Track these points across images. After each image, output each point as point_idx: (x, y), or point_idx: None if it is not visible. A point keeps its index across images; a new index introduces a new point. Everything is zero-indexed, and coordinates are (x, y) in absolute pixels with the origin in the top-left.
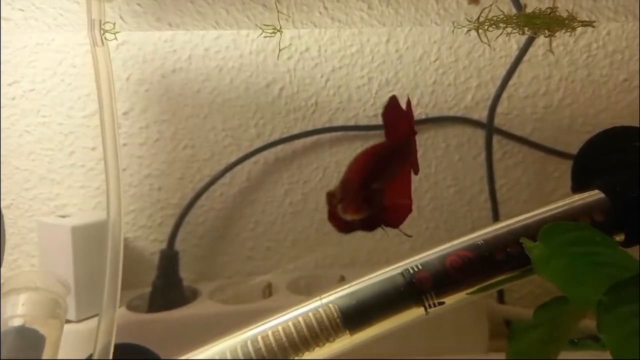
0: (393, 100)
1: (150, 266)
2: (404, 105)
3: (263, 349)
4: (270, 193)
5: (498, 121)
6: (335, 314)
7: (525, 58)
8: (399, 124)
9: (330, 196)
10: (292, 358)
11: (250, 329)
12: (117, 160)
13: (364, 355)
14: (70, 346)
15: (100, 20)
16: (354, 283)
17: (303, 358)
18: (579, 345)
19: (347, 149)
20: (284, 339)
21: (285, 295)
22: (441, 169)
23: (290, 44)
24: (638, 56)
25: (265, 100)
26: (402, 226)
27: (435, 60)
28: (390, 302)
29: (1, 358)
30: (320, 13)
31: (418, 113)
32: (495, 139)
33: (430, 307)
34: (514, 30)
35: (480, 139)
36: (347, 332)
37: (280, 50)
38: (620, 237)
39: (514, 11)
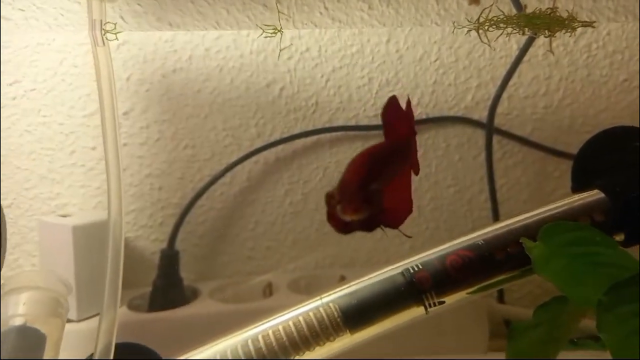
0: (392, 101)
1: (150, 266)
2: (404, 106)
3: (264, 348)
4: (271, 193)
5: (498, 121)
6: (335, 313)
7: (526, 58)
8: (398, 124)
9: (329, 197)
10: (292, 357)
11: (251, 328)
12: (118, 159)
13: (364, 355)
14: (71, 345)
15: (101, 21)
16: (354, 283)
17: (304, 357)
18: (579, 345)
19: (347, 149)
20: (285, 338)
21: (286, 295)
22: (441, 168)
23: (291, 44)
24: (638, 56)
25: (266, 100)
26: (402, 226)
27: (435, 61)
28: (390, 302)
29: (2, 357)
30: (321, 13)
31: (418, 113)
32: (496, 139)
33: (430, 306)
34: (514, 31)
35: (481, 138)
36: (348, 331)
37: (280, 51)
38: (620, 237)
39: (514, 11)
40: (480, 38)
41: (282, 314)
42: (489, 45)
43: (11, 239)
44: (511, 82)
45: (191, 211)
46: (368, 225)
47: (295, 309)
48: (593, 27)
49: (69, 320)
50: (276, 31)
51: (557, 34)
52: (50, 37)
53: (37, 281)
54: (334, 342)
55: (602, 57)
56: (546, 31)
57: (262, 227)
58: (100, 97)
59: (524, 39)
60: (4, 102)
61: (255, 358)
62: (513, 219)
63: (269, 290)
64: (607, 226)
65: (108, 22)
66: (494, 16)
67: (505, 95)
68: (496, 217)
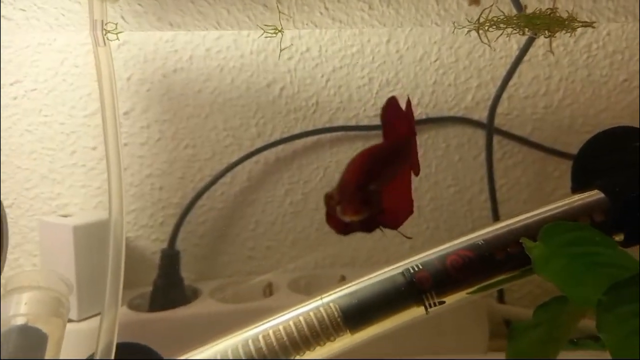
0: (392, 101)
1: (151, 265)
2: (404, 106)
3: (264, 348)
4: (271, 193)
5: (498, 121)
6: (336, 313)
7: (526, 58)
8: (397, 124)
9: (328, 198)
10: (293, 357)
11: (252, 328)
12: (119, 159)
13: (365, 355)
14: (72, 345)
15: (102, 21)
16: (354, 282)
17: (304, 357)
18: (579, 345)
19: (347, 149)
20: (285, 338)
21: (286, 295)
22: (441, 169)
23: (291, 44)
24: (638, 57)
25: (266, 100)
26: (402, 227)
27: (435, 61)
28: (390, 302)
29: (4, 357)
30: (321, 13)
31: (418, 113)
32: (496, 139)
33: (430, 306)
34: (514, 31)
35: (481, 139)
36: (348, 331)
37: (281, 51)
38: (619, 237)
39: (514, 12)
40: (480, 38)
41: (282, 313)
42: (489, 46)
43: (12, 239)
44: (511, 82)
45: (192, 211)
46: (367, 226)
47: (296, 309)
48: (593, 27)
49: (69, 320)
50: (277, 31)
51: (557, 34)
52: (51, 37)
53: (39, 281)
54: (335, 342)
55: (602, 57)
56: (546, 31)
57: (262, 227)
58: (101, 97)
59: (524, 39)
60: (5, 102)
61: (256, 358)
62: (513, 219)
63: (269, 290)
64: (607, 226)
65: (109, 22)
66: (494, 16)
67: (505, 95)
68: (496, 217)
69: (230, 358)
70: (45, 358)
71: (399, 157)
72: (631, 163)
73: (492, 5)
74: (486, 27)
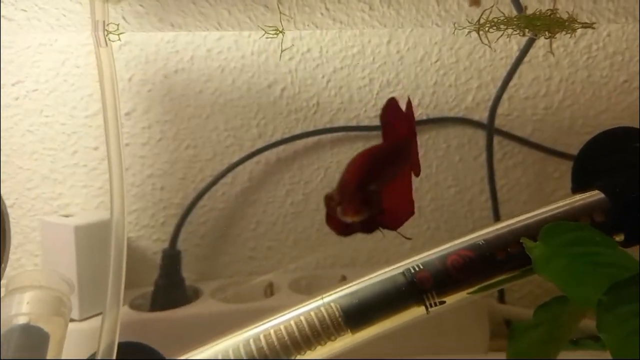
0: (392, 102)
1: (152, 265)
2: (404, 107)
3: (265, 348)
4: (272, 193)
5: (499, 122)
6: (337, 312)
7: (526, 59)
8: (397, 125)
9: (328, 199)
10: (294, 356)
11: (253, 328)
12: (120, 159)
13: (365, 355)
14: (74, 344)
15: (104, 21)
16: (355, 282)
17: (305, 356)
18: (579, 345)
19: (348, 150)
20: (286, 338)
21: (287, 295)
22: (442, 169)
23: (292, 45)
24: (638, 57)
25: (267, 100)
26: (402, 227)
27: (436, 62)
28: (391, 302)
29: (6, 356)
30: (322, 14)
31: (419, 114)
32: (496, 139)
33: (431, 306)
34: (515, 32)
35: (481, 139)
36: (349, 331)
37: (282, 51)
38: (620, 238)
39: (514, 13)
40: (480, 39)
41: (283, 313)
42: (490, 47)
43: (13, 239)
44: (512, 83)
45: (193, 211)
46: (368, 227)
47: (297, 309)
48: (593, 28)
49: (71, 320)
50: (278, 32)
51: (558, 35)
52: (52, 38)
53: (40, 280)
54: (335, 342)
55: (602, 58)
56: (546, 32)
57: (263, 227)
58: (102, 98)
59: (524, 40)
60: (7, 102)
61: (257, 357)
62: (514, 219)
63: (270, 290)
64: (607, 226)
65: (111, 23)
66: (495, 17)
67: (505, 96)
68: (497, 218)
69: (232, 357)
70: (47, 357)
71: (399, 158)
72: (631, 164)
73: (492, 7)
74: (487, 28)
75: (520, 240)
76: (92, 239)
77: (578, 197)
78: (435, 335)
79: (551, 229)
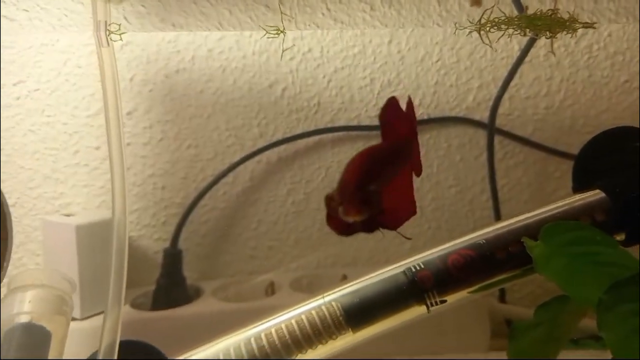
0: (392, 101)
1: (154, 264)
2: (404, 107)
3: (267, 347)
4: (273, 192)
5: (499, 122)
6: (338, 312)
7: (527, 59)
8: (397, 125)
9: (329, 199)
10: (295, 355)
11: (254, 327)
12: (122, 159)
13: (367, 354)
14: (75, 344)
15: (105, 22)
16: (356, 282)
17: (306, 355)
18: (580, 344)
19: (349, 149)
20: (287, 337)
21: (288, 294)
22: (443, 169)
23: (293, 45)
24: (639, 58)
25: (268, 100)
26: (403, 227)
27: (437, 61)
28: (392, 301)
29: (9, 354)
30: (323, 14)
31: (420, 113)
32: (497, 139)
33: (432, 305)
34: (516, 32)
35: (482, 139)
36: (350, 330)
37: (283, 51)
38: (620, 237)
39: (515, 13)
40: (481, 39)
41: (285, 312)
42: (491, 46)
43: (15, 238)
44: (512, 83)
45: (194, 210)
46: (369, 227)
47: (298, 308)
48: (594, 28)
49: (72, 319)
50: (279, 32)
51: (558, 35)
52: (54, 38)
53: (42, 279)
54: (337, 341)
55: (603, 58)
56: (547, 32)
57: (264, 227)
58: (104, 97)
59: (525, 40)
60: (9, 102)
61: (258, 356)
62: (514, 219)
63: (271, 289)
64: (608, 226)
65: (112, 23)
66: (496, 17)
67: (506, 95)
68: (498, 217)
69: (233, 356)
70: (49, 356)
71: (399, 158)
72: (632, 163)
73: (493, 6)
74: (487, 28)
75: (521, 240)
76: (93, 238)
77: (579, 196)
78: (436, 334)
79: (552, 228)
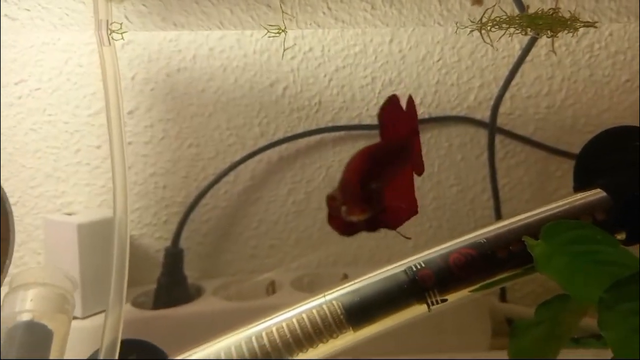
0: (392, 100)
1: (155, 263)
2: (405, 105)
3: (267, 345)
4: (274, 192)
5: (500, 121)
6: (338, 310)
7: (528, 58)
8: (396, 124)
9: (331, 199)
10: (296, 354)
11: (255, 326)
12: (123, 158)
13: (367, 353)
14: (76, 342)
15: (107, 20)
16: (357, 280)
17: (307, 354)
18: (580, 343)
19: (350, 148)
20: (288, 336)
21: (289, 293)
22: (444, 168)
23: (294, 44)
24: None
25: (269, 99)
26: (404, 226)
27: (438, 61)
28: (393, 300)
29: (11, 352)
30: (324, 13)
31: (421, 113)
32: (498, 138)
33: (433, 304)
34: (517, 31)
35: (483, 138)
36: (351, 328)
37: (284, 50)
38: (621, 236)
39: (516, 12)
40: (482, 38)
41: (285, 311)
42: (492, 46)
43: (17, 237)
44: (514, 82)
45: (195, 209)
46: (371, 225)
47: (299, 307)
48: (595, 27)
49: (73, 318)
50: (280, 31)
51: (560, 34)
52: (55, 37)
53: (44, 278)
54: (337, 340)
55: (605, 57)
56: (548, 31)
57: (265, 226)
58: (106, 96)
59: (526, 39)
60: (10, 101)
61: (259, 355)
62: (515, 218)
63: (272, 288)
64: (609, 225)
65: (114, 22)
66: (497, 16)
67: (507, 95)
68: (499, 216)
69: (234, 355)
70: (51, 354)
71: (399, 157)
72: (633, 162)
73: (494, 6)
74: (489, 27)
75: (522, 239)
76: (94, 237)
77: (580, 195)
78: (437, 333)
79: (553, 227)
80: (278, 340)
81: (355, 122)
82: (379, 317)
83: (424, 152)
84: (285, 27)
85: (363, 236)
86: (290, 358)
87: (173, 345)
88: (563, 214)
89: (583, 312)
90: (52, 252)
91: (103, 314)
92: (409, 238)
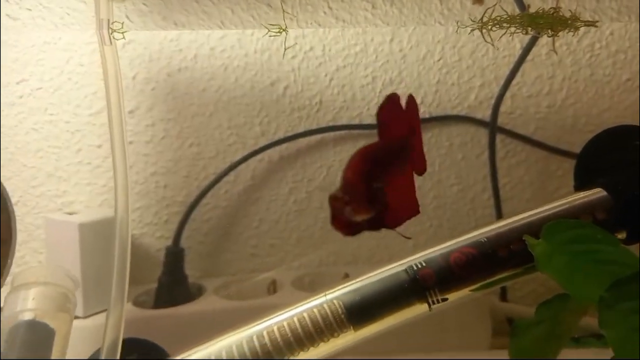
0: (391, 99)
1: (156, 263)
2: (405, 104)
3: (268, 344)
4: (275, 191)
5: (501, 120)
6: (339, 309)
7: (529, 58)
8: (395, 123)
9: (334, 199)
10: (297, 353)
11: (256, 325)
12: (124, 157)
13: (368, 352)
14: (78, 341)
15: (108, 20)
16: (358, 279)
17: (308, 353)
18: (581, 342)
19: (351, 148)
20: (289, 334)
21: (290, 292)
22: (445, 167)
23: (295, 43)
24: None
25: (270, 98)
26: (404, 225)
27: (439, 60)
28: (394, 299)
29: (13, 351)
30: (325, 13)
31: (422, 112)
32: (499, 137)
33: (433, 303)
34: (518, 30)
35: (484, 137)
36: (352, 327)
37: (285, 50)
38: (622, 235)
39: (517, 11)
40: (483, 37)
41: (286, 310)
42: (493, 45)
43: (18, 237)
44: (514, 82)
45: (196, 209)
46: (374, 225)
47: (300, 306)
48: (596, 26)
49: (75, 317)
50: (281, 30)
51: (560, 34)
52: (56, 36)
53: (46, 276)
54: (338, 339)
55: (605, 56)
56: (549, 31)
57: (266, 225)
58: (107, 96)
59: (527, 38)
60: (11, 101)
61: (259, 354)
62: (516, 217)
63: (273, 287)
64: (609, 224)
65: (115, 22)
66: (498, 16)
67: (508, 94)
68: (499, 216)
69: (235, 354)
70: (53, 353)
71: (399, 157)
72: (633, 162)
73: (495, 5)
74: (489, 27)
75: (523, 238)
76: (96, 237)
77: (580, 194)
78: (438, 332)
79: (553, 226)
80: (279, 339)
81: (356, 121)
82: (379, 316)
83: (424, 151)
84: (286, 27)
85: (364, 236)
86: (291, 357)
87: (174, 344)
88: (564, 213)
89: (583, 312)
90: (53, 252)
91: (104, 313)
92: (409, 238)
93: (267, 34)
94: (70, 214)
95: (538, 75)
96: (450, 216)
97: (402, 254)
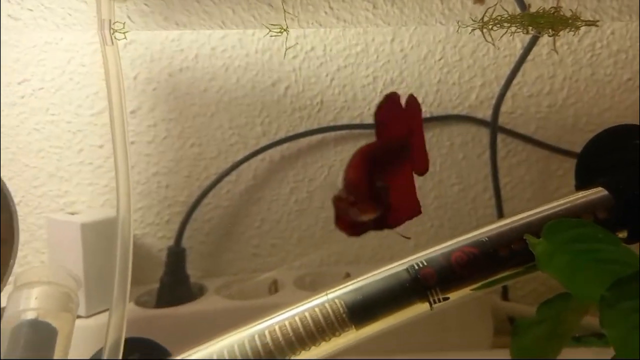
0: (390, 98)
1: (157, 263)
2: (405, 104)
3: (270, 344)
4: (276, 191)
5: (502, 120)
6: (341, 309)
7: (530, 57)
8: (394, 123)
9: (338, 200)
10: (298, 352)
11: (257, 324)
12: (126, 157)
13: (369, 351)
14: (80, 341)
15: (110, 20)
16: (360, 279)
17: (309, 352)
18: (582, 341)
19: (352, 148)
20: (291, 334)
21: (292, 292)
22: (446, 167)
23: (296, 43)
24: None
25: (271, 98)
26: (405, 225)
27: (439, 60)
28: (395, 298)
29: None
30: (326, 13)
31: (423, 112)
32: (500, 137)
33: (435, 302)
34: (518, 30)
35: (485, 137)
36: (353, 326)
37: (286, 50)
38: (623, 234)
39: (518, 11)
40: (484, 37)
41: (288, 309)
42: (493, 44)
43: (20, 236)
44: (515, 81)
45: (198, 209)
46: (379, 224)
47: (302, 305)
48: (597, 26)
49: (77, 317)
50: (282, 30)
51: (561, 33)
52: (58, 37)
53: (48, 276)
54: (340, 338)
55: (606, 56)
56: (550, 30)
57: (267, 225)
58: (109, 96)
59: (528, 38)
60: (13, 101)
61: (261, 353)
62: (517, 217)
63: (274, 287)
64: (610, 223)
65: (117, 22)
66: (498, 15)
67: (509, 94)
68: (500, 215)
69: (236, 354)
70: (55, 352)
71: (399, 157)
72: (634, 161)
73: (496, 4)
74: (490, 26)
75: (524, 237)
76: (98, 237)
77: (581, 194)
78: (439, 331)
79: (554, 225)
80: (281, 339)
81: (357, 121)
82: (381, 315)
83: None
84: (287, 27)
85: (365, 235)
86: (293, 356)
87: (176, 343)
88: (565, 213)
89: (585, 311)
90: (55, 252)
91: (107, 313)
92: (409, 238)
93: (268, 34)
94: (72, 214)
95: (539, 74)
96: (451, 216)
97: (404, 253)
